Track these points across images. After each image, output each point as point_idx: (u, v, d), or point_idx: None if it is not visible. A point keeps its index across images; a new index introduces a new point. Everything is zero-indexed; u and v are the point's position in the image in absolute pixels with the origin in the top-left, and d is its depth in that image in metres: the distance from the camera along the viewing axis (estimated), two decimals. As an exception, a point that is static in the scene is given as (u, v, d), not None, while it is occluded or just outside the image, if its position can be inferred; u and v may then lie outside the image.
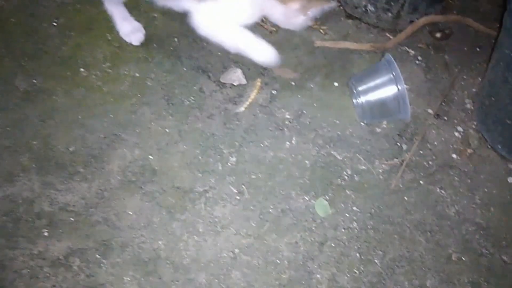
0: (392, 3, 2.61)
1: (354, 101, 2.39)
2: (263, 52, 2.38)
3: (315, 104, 2.45)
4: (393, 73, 2.26)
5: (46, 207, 2.09)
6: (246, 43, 2.36)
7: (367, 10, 2.69)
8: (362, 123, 2.42)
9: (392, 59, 2.29)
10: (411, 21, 2.71)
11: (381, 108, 2.34)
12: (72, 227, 2.06)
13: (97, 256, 2.02)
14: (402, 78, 2.27)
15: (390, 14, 2.66)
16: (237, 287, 2.02)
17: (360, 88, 2.33)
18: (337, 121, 2.41)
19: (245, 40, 2.36)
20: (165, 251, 2.05)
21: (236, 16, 2.33)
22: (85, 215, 2.09)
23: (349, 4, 2.74)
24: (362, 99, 2.32)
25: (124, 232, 2.07)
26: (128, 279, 1.99)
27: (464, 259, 2.14)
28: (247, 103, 2.42)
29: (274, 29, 2.66)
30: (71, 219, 2.08)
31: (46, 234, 2.04)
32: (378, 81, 2.32)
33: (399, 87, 2.25)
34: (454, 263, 2.13)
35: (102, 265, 2.00)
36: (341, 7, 2.82)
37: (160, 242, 2.07)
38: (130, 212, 2.11)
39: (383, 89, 2.31)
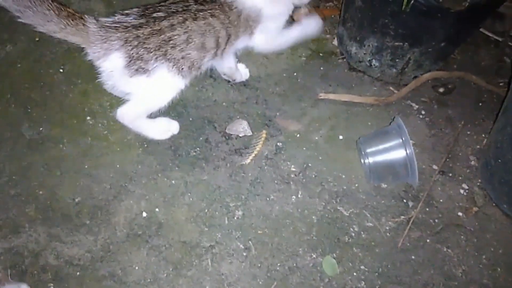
0: (397, 60, 2.63)
1: (362, 161, 2.39)
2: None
3: (320, 157, 2.46)
4: (403, 137, 2.26)
5: (51, 260, 2.07)
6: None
7: (371, 65, 2.71)
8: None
9: (402, 123, 2.29)
10: (415, 77, 2.72)
11: (389, 172, 2.35)
12: (78, 281, 2.05)
13: (104, 313, 1.99)
14: (407, 132, 2.29)
15: (394, 70, 2.68)
16: None
17: (368, 150, 2.33)
18: (343, 176, 2.41)
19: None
20: (172, 309, 2.03)
21: None
22: (91, 269, 2.07)
23: (353, 58, 2.76)
24: (370, 160, 2.33)
25: (130, 288, 2.04)
26: (135, 337, 1.95)
27: (472, 322, 2.12)
28: (253, 155, 2.42)
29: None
30: (77, 273, 2.06)
31: (51, 288, 2.01)
32: (387, 144, 2.32)
33: (408, 152, 2.25)
34: None
35: (108, 322, 1.97)
36: (345, 59, 2.82)
37: (167, 300, 2.04)
38: (136, 267, 2.09)
39: (392, 152, 2.32)
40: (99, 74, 2.21)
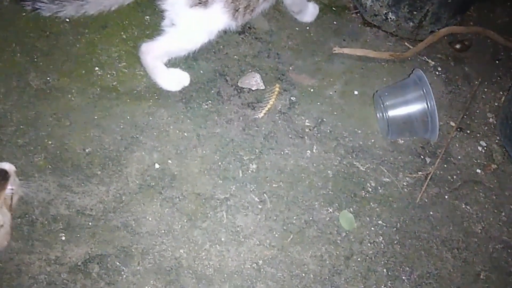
0: (414, 13, 2.57)
1: (379, 115, 2.34)
2: None
3: (335, 112, 2.41)
4: (424, 89, 2.20)
5: (62, 210, 2.01)
6: None
7: (387, 18, 2.64)
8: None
9: (423, 74, 2.23)
10: (432, 31, 2.66)
11: (408, 126, 2.30)
12: (91, 232, 1.99)
13: (117, 263, 1.95)
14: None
15: (411, 24, 2.62)
16: (263, 301, 1.95)
17: (388, 103, 2.27)
18: (359, 131, 2.36)
19: None
20: (187, 260, 1.99)
21: None
22: (104, 220, 2.01)
23: (368, 11, 2.69)
24: (389, 114, 2.27)
25: (144, 239, 2.00)
26: (150, 288, 1.91)
27: (492, 277, 2.12)
28: (266, 109, 2.36)
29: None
30: (89, 223, 2.00)
31: (63, 238, 1.97)
32: (407, 97, 2.27)
33: (430, 105, 2.19)
34: (483, 282, 2.12)
35: (122, 272, 1.93)
36: (359, 14, 2.75)
37: (181, 251, 2.00)
38: (149, 218, 2.04)
39: (411, 105, 2.27)
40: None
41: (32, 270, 1.90)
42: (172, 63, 2.33)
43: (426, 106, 2.21)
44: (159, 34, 2.26)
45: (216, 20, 2.20)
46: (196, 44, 2.25)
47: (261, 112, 2.35)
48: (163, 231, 2.03)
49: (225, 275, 1.98)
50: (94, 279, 1.91)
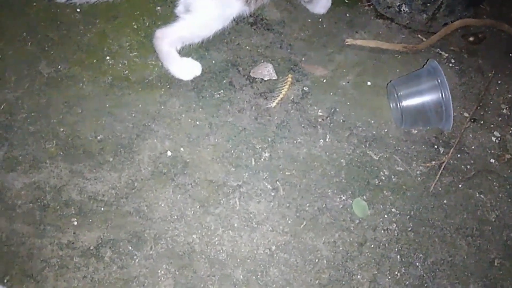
0: (428, 5, 2.55)
1: (392, 105, 2.32)
2: None
3: (348, 103, 2.39)
4: (439, 79, 2.18)
5: (74, 195, 2.00)
6: None
7: (400, 10, 2.63)
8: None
9: (438, 65, 2.22)
10: (445, 24, 2.65)
11: (421, 116, 2.28)
12: (103, 217, 1.98)
13: (130, 247, 1.94)
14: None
15: (425, 16, 2.60)
16: (276, 285, 1.95)
17: (401, 93, 2.25)
18: (372, 121, 2.35)
19: None
20: (199, 245, 1.98)
21: None
22: (116, 205, 2.00)
23: (382, 3, 2.67)
24: (403, 104, 2.25)
25: (156, 224, 1.99)
26: (162, 272, 1.92)
27: (507, 264, 2.11)
28: (279, 98, 2.35)
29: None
30: (101, 209, 1.99)
31: (75, 223, 1.96)
32: (421, 87, 2.25)
33: (444, 95, 2.18)
34: (497, 269, 2.10)
35: (135, 257, 1.93)
36: (372, 6, 2.74)
37: (194, 236, 1.99)
38: (162, 204, 2.03)
39: (426, 95, 2.25)
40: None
41: (44, 254, 1.90)
42: (184, 52, 2.31)
43: (440, 96, 2.19)
44: (173, 21, 2.26)
45: (231, 6, 2.21)
46: (211, 31, 2.25)
47: (273, 101, 2.34)
48: (175, 216, 2.02)
49: (238, 260, 1.97)
50: (106, 263, 1.90)
